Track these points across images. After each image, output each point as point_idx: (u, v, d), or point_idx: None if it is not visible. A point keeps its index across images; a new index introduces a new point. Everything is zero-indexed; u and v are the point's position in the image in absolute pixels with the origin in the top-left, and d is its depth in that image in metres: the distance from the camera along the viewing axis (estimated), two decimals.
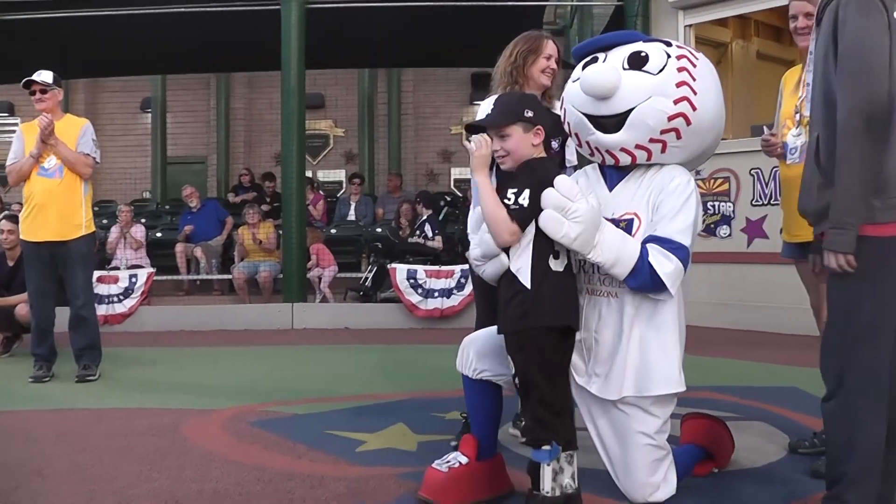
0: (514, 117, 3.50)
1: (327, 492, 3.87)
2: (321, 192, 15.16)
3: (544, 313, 3.36)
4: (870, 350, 2.99)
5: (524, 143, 3.50)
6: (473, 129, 3.63)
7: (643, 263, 3.27)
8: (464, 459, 3.66)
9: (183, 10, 12.17)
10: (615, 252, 3.27)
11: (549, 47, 4.54)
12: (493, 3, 11.89)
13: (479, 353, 3.68)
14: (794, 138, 4.32)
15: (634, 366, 3.42)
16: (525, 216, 3.33)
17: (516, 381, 3.41)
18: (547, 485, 3.36)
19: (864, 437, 3.00)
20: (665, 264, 3.27)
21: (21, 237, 7.12)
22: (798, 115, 4.29)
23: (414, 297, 10.95)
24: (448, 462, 3.66)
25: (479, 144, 3.49)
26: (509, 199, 3.36)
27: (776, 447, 4.50)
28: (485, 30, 13.18)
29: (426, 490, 3.65)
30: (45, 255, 6.89)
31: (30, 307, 7.30)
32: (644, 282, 3.30)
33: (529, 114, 3.51)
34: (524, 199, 3.34)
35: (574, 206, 3.21)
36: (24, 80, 6.95)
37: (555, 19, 17.01)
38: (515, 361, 3.38)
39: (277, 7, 11.57)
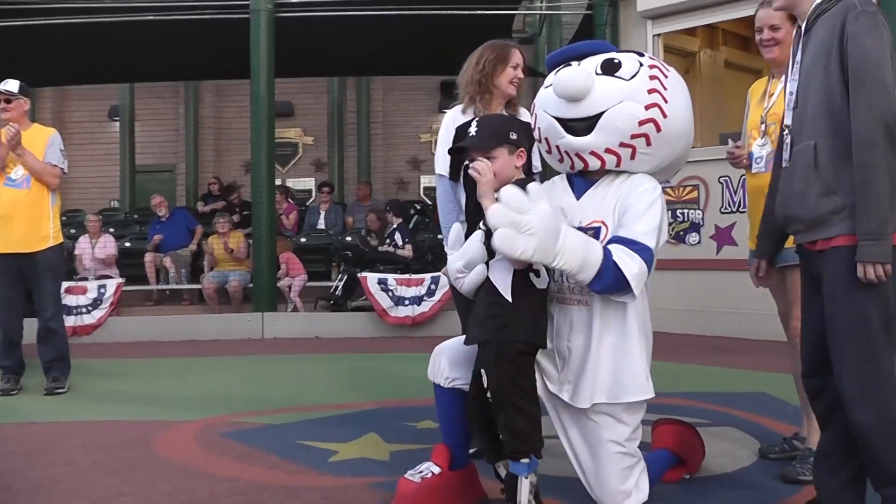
0: (499, 140, 3.54)
1: (301, 502, 3.86)
2: (294, 203, 15.09)
3: (524, 328, 3.39)
4: (886, 357, 3.04)
5: (509, 165, 3.55)
6: (457, 150, 3.66)
7: (608, 264, 3.27)
8: (436, 469, 3.64)
9: (152, 18, 12.14)
10: (580, 257, 3.24)
11: (517, 56, 4.53)
12: (463, 11, 11.92)
13: (451, 361, 3.67)
14: (760, 148, 4.36)
15: (604, 374, 3.45)
16: None
17: (488, 394, 3.38)
18: (524, 498, 3.37)
19: None
20: (630, 265, 3.27)
21: None
22: (763, 126, 4.34)
23: (385, 302, 10.94)
24: (421, 472, 3.64)
25: (483, 171, 3.47)
26: None
27: (747, 452, 4.53)
28: (454, 38, 13.24)
29: (399, 501, 3.63)
30: (13, 266, 6.79)
31: None
32: (609, 283, 3.29)
33: (514, 136, 3.56)
34: None
35: (524, 220, 3.16)
36: None
37: (524, 27, 17.12)
38: (490, 373, 3.36)
39: (247, 16, 11.57)
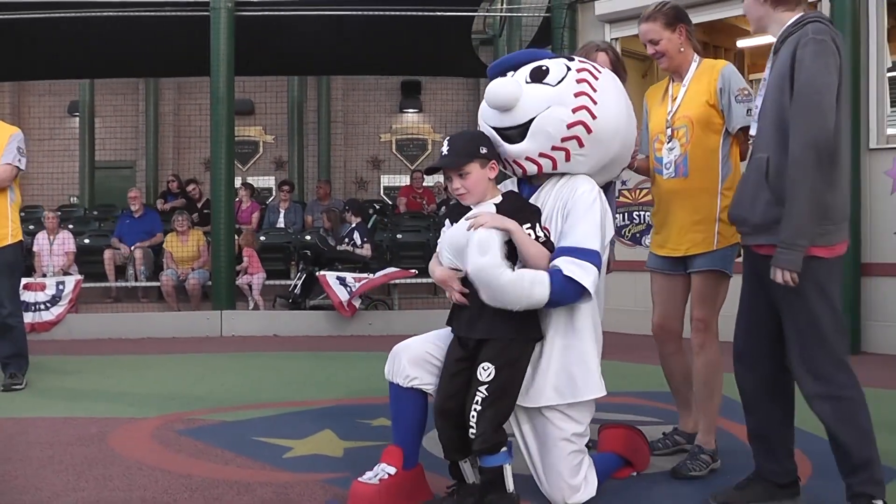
0: (470, 156, 3.67)
1: (254, 497, 3.92)
2: (256, 201, 15.06)
3: (534, 325, 3.59)
4: (836, 347, 3.40)
5: (482, 178, 3.68)
6: (432, 169, 3.83)
7: (562, 283, 3.42)
8: (391, 470, 3.68)
9: (112, 14, 12.08)
10: (525, 295, 3.42)
11: None
12: (423, 13, 11.98)
13: (411, 360, 3.71)
14: (669, 152, 4.37)
15: (555, 373, 3.58)
16: (550, 242, 3.58)
17: (488, 388, 3.47)
18: (511, 483, 3.54)
19: (867, 419, 3.39)
20: (583, 276, 3.43)
21: None
22: (670, 129, 4.37)
23: (343, 295, 10.98)
24: (377, 475, 3.67)
25: (478, 220, 3.52)
26: (530, 235, 3.53)
27: None
28: (414, 38, 13.35)
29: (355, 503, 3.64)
30: None
31: None
32: (570, 297, 3.47)
33: (484, 150, 3.69)
34: (539, 231, 3.57)
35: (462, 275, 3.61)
36: None
37: (484, 28, 17.18)
38: (502, 369, 3.48)
39: (207, 14, 11.55)
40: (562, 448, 3.58)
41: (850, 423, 3.36)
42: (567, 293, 3.44)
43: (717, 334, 4.32)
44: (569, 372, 3.58)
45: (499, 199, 3.70)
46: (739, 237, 3.85)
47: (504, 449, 3.53)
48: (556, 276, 3.42)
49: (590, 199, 3.58)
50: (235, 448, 4.83)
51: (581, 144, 3.61)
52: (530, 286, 3.40)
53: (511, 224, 3.50)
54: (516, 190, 3.85)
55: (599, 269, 3.50)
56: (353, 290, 10.97)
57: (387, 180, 20.79)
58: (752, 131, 3.62)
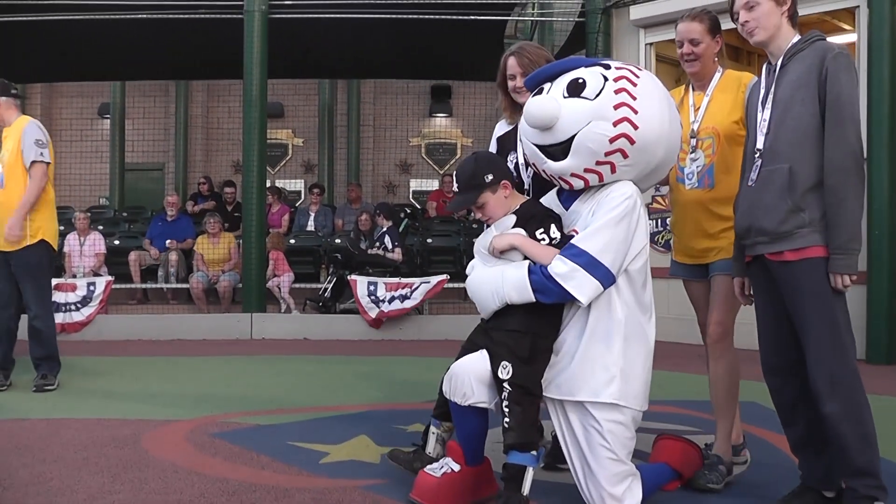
0: (478, 189, 3.75)
1: (292, 503, 3.87)
2: (287, 204, 15.06)
3: (543, 323, 3.67)
4: (851, 352, 3.47)
5: (499, 202, 3.78)
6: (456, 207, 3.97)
7: (538, 277, 3.53)
8: (455, 466, 3.75)
9: (145, 16, 12.12)
10: (498, 287, 3.62)
11: (510, 65, 4.32)
12: (455, 16, 11.95)
13: (479, 380, 3.67)
14: (692, 163, 4.30)
15: (581, 371, 3.58)
16: (565, 244, 3.60)
17: (510, 384, 3.56)
18: (527, 487, 3.55)
19: (872, 423, 3.46)
20: (558, 266, 3.51)
21: None
22: (695, 140, 4.29)
23: (374, 312, 11.00)
24: (442, 468, 3.76)
25: (496, 244, 3.69)
26: (544, 239, 3.64)
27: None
28: (445, 43, 13.32)
29: (418, 493, 3.76)
30: (1, 261, 6.77)
31: None
32: (552, 291, 3.53)
33: (490, 178, 3.75)
34: (554, 232, 3.67)
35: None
36: None
37: (515, 33, 17.11)
38: (517, 367, 3.56)
39: (240, 16, 11.56)
40: (600, 454, 3.52)
41: (857, 426, 3.41)
42: (549, 288, 3.52)
43: (733, 339, 4.31)
44: (593, 373, 3.55)
45: (517, 206, 3.79)
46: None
47: (534, 452, 3.57)
48: (535, 272, 3.55)
49: (614, 204, 3.55)
50: (271, 452, 4.78)
51: (625, 156, 3.54)
52: (502, 279, 3.61)
53: (515, 239, 3.64)
54: (556, 198, 3.87)
55: (593, 273, 3.48)
56: (383, 302, 10.96)
57: (416, 184, 20.80)
58: (759, 145, 3.62)
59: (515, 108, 4.35)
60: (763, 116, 3.63)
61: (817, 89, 3.46)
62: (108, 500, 3.90)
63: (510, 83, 4.33)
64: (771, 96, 3.62)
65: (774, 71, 3.65)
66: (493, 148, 4.51)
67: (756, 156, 3.63)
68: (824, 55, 3.46)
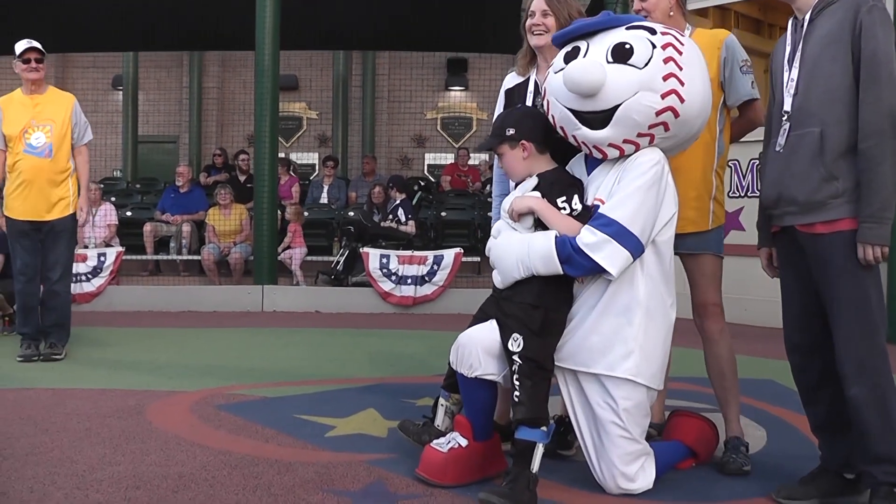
0: (498, 139, 3.71)
1: (295, 477, 3.78)
2: (296, 176, 14.93)
3: (555, 297, 3.58)
4: (882, 334, 3.26)
5: (515, 159, 3.70)
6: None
7: (566, 248, 3.38)
8: (463, 441, 3.67)
9: None
10: (524, 257, 3.48)
11: (534, 2, 4.00)
12: None
13: (486, 351, 3.59)
14: None
15: (589, 341, 3.51)
16: (586, 215, 3.51)
17: (520, 357, 3.46)
18: (536, 464, 3.43)
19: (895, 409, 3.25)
20: (587, 236, 3.37)
21: (6, 214, 6.92)
22: None
23: (387, 285, 10.91)
24: (449, 443, 3.68)
25: (515, 206, 3.60)
26: (565, 209, 3.53)
27: (752, 440, 4.43)
28: (462, 15, 13.18)
29: (424, 468, 3.68)
30: (33, 233, 6.79)
31: (15, 285, 7.10)
32: (579, 263, 3.40)
33: (511, 132, 3.68)
34: (576, 203, 3.54)
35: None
36: (23, 46, 6.77)
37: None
38: (528, 339, 3.46)
39: None
40: (613, 432, 3.45)
41: (882, 411, 3.22)
42: (576, 261, 3.39)
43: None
44: (608, 344, 3.47)
45: (542, 170, 3.67)
46: (724, 218, 3.92)
47: (544, 428, 3.45)
48: (563, 242, 3.40)
49: (642, 170, 3.42)
50: (276, 425, 4.70)
51: (667, 129, 3.41)
52: (528, 249, 3.46)
53: (535, 203, 3.53)
54: (582, 162, 3.72)
55: (623, 242, 3.36)
56: (399, 278, 10.89)
57: (431, 158, 20.71)
58: (787, 107, 3.40)
59: (533, 60, 4.13)
60: (790, 76, 3.41)
61: (850, 45, 3.21)
62: (108, 472, 3.83)
63: (529, 20, 4.01)
64: (798, 54, 3.39)
65: (802, 26, 3.41)
66: (500, 101, 4.29)
67: (783, 119, 3.42)
68: (858, 8, 3.20)
